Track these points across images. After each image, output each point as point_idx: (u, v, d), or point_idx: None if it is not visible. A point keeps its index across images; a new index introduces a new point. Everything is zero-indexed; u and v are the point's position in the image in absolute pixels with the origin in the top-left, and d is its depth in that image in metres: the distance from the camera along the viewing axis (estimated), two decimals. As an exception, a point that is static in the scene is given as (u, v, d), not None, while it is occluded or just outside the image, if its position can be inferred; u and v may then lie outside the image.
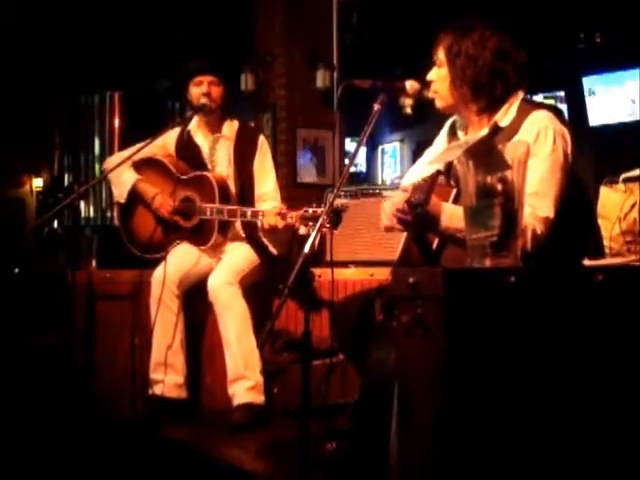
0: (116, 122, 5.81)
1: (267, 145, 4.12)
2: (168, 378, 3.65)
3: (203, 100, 3.85)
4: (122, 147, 4.36)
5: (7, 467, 3.10)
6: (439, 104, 2.56)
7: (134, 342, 3.85)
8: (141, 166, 3.96)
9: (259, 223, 3.68)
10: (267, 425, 3.48)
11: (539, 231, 2.26)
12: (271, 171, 4.09)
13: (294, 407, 3.17)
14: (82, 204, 5.68)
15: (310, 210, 3.34)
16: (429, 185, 2.37)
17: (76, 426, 3.39)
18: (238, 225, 3.91)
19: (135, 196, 3.94)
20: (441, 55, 2.49)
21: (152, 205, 3.87)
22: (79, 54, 8.06)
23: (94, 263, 5.17)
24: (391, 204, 2.52)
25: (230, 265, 3.73)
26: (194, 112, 3.94)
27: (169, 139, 4.05)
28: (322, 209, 3.25)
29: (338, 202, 3.67)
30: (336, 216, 3.21)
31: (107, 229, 5.43)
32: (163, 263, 3.72)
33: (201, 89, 3.87)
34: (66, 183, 6.06)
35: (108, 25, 7.64)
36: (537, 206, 2.27)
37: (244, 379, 3.58)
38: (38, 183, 11.25)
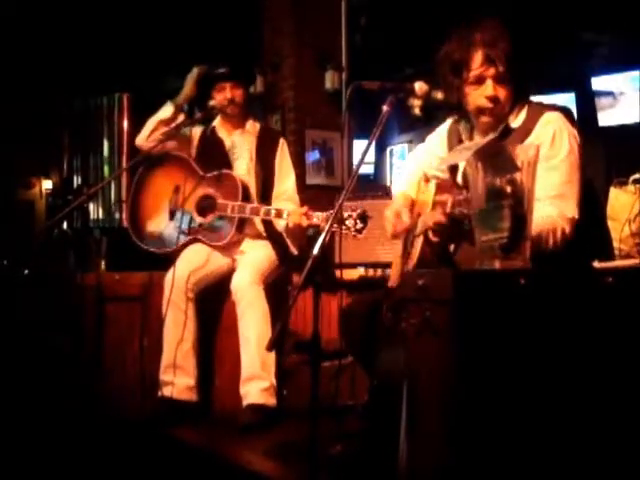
0: (125, 123, 5.80)
1: (286, 147, 4.19)
2: (179, 380, 3.64)
3: (224, 104, 3.96)
4: (131, 148, 4.39)
5: (15, 467, 3.10)
6: (492, 119, 2.49)
7: (143, 344, 3.85)
8: (166, 161, 4.04)
9: (282, 222, 3.73)
10: (276, 427, 3.48)
11: (567, 231, 2.28)
12: (291, 172, 4.15)
13: (303, 408, 3.17)
14: (91, 206, 5.68)
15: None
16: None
17: (85, 426, 3.39)
18: (258, 223, 3.93)
19: (147, 188, 4.01)
20: (509, 70, 2.42)
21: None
22: (87, 56, 8.07)
23: (103, 265, 5.17)
24: (393, 211, 2.54)
25: (254, 265, 3.74)
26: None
27: (194, 133, 4.12)
28: (351, 211, 3.29)
29: (355, 204, 3.68)
30: (363, 220, 3.24)
31: (116, 231, 5.43)
32: (179, 266, 3.73)
33: (224, 95, 3.95)
34: (75, 185, 6.06)
35: (116, 26, 7.65)
36: (563, 207, 2.28)
37: (259, 379, 3.57)
38: (47, 185, 11.26)
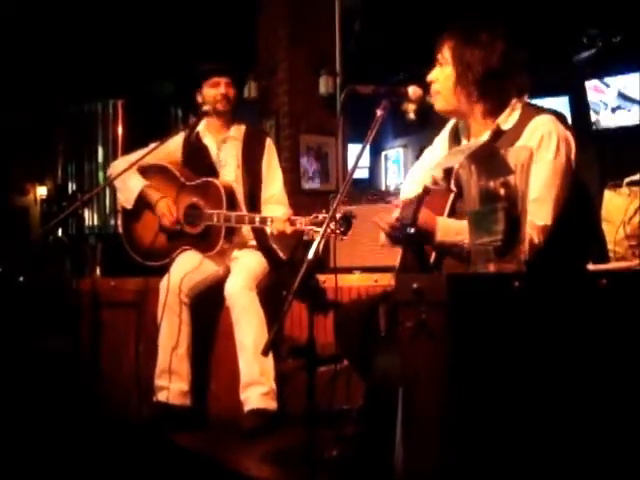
0: (119, 129, 5.80)
1: (274, 147, 4.15)
2: (173, 385, 3.64)
3: (218, 101, 3.92)
4: (126, 154, 4.36)
5: (13, 472, 3.10)
6: (441, 105, 2.55)
7: (139, 349, 3.84)
8: (147, 172, 3.97)
9: (268, 230, 3.68)
10: (273, 432, 3.47)
11: (536, 240, 2.26)
12: (278, 173, 4.12)
13: (300, 413, 3.17)
14: (86, 212, 5.68)
15: (320, 216, 3.34)
16: (416, 206, 2.37)
17: (82, 430, 3.38)
18: (245, 231, 3.92)
19: (141, 202, 3.95)
20: (447, 54, 2.48)
21: (155, 211, 3.88)
22: (81, 62, 8.07)
23: (98, 271, 5.17)
24: (381, 220, 2.53)
25: (247, 271, 3.74)
26: (198, 118, 3.96)
27: (174, 144, 4.05)
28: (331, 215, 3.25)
29: (345, 208, 3.67)
30: (346, 222, 3.22)
31: (111, 237, 5.43)
32: (174, 271, 3.72)
33: (218, 90, 3.92)
34: (70, 191, 6.06)
35: (110, 33, 7.66)
36: (535, 214, 2.25)
37: (258, 385, 3.56)
38: (42, 191, 11.25)
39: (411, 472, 1.81)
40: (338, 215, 3.19)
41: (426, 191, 2.49)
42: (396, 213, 2.46)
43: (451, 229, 2.31)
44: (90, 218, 5.78)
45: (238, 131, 4.07)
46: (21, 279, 4.22)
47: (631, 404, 1.85)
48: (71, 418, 3.55)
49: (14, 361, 3.91)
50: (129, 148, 4.56)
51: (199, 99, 4.00)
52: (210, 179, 3.88)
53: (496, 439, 1.70)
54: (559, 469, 1.76)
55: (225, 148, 4.04)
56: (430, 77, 2.55)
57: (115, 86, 7.05)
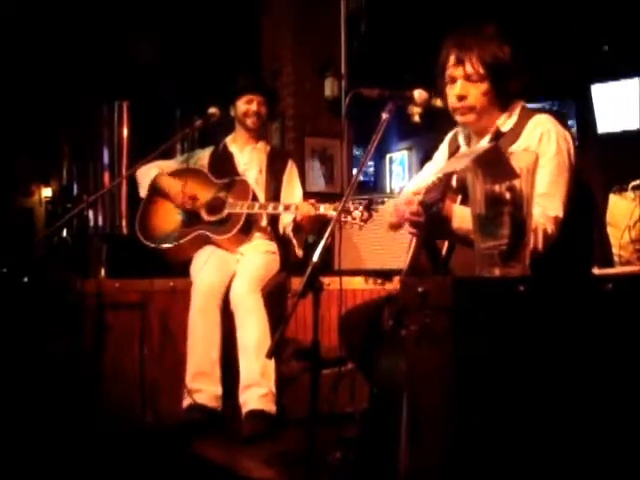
0: (124, 131, 5.81)
1: (296, 168, 4.27)
2: (208, 388, 3.63)
3: (248, 117, 4.06)
4: (131, 156, 4.44)
5: (14, 473, 3.10)
6: (472, 118, 2.51)
7: (143, 351, 3.84)
8: (180, 173, 4.10)
9: (288, 219, 3.84)
10: (276, 434, 3.46)
11: (550, 230, 2.28)
12: (299, 189, 4.23)
13: (303, 415, 3.17)
14: (91, 213, 5.69)
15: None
16: (444, 184, 2.38)
17: (83, 432, 3.38)
18: (264, 223, 3.99)
19: (155, 191, 4.07)
20: (480, 69, 2.43)
21: (171, 196, 3.99)
22: (86, 63, 8.08)
23: (103, 272, 5.18)
24: (394, 203, 2.53)
25: (251, 272, 3.76)
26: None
27: (203, 154, 4.24)
28: (358, 202, 3.32)
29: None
30: (368, 210, 3.28)
31: (116, 238, 5.43)
32: (208, 272, 3.73)
33: (250, 107, 4.06)
34: (75, 192, 6.07)
35: (114, 34, 7.66)
36: (546, 206, 2.29)
37: (258, 386, 3.56)
38: (47, 193, 11.26)
39: (415, 476, 1.80)
40: (363, 203, 3.29)
41: (451, 173, 2.48)
42: (402, 199, 2.46)
43: (466, 217, 2.30)
44: (95, 219, 5.79)
45: (264, 147, 4.23)
46: (25, 280, 4.22)
47: (635, 409, 1.85)
48: (73, 419, 3.55)
49: (17, 362, 3.91)
50: (134, 149, 4.60)
51: (232, 113, 4.12)
52: (239, 177, 4.03)
53: (501, 444, 1.70)
54: (564, 473, 1.76)
55: (250, 154, 4.16)
56: (461, 92, 2.47)
57: (120, 87, 7.06)
